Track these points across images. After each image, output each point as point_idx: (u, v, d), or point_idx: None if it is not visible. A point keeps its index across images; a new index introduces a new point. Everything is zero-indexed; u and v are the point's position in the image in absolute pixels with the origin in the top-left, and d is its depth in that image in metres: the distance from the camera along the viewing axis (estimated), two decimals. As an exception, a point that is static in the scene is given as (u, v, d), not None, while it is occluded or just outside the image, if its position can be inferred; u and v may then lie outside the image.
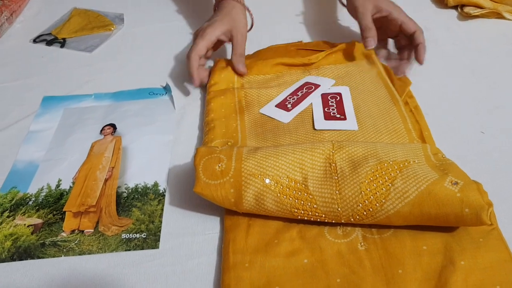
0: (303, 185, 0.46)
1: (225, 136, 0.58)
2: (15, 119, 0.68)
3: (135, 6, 0.92)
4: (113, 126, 0.64)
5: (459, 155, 0.52)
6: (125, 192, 0.54)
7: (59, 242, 0.50)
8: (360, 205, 0.45)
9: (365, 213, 0.45)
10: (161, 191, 0.54)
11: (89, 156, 0.60)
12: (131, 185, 0.55)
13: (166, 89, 0.69)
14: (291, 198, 0.46)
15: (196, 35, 0.66)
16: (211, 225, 0.51)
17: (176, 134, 0.63)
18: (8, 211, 0.54)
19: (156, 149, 0.60)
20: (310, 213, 0.46)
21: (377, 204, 0.44)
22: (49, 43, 0.83)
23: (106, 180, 0.56)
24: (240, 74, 0.67)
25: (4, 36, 0.86)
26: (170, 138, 0.62)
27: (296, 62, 0.69)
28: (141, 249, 0.49)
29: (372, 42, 0.64)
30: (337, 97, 0.63)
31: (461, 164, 0.48)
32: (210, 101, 0.65)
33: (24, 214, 0.53)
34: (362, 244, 0.45)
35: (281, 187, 0.46)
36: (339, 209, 0.46)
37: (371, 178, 0.46)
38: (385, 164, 0.46)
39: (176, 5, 0.91)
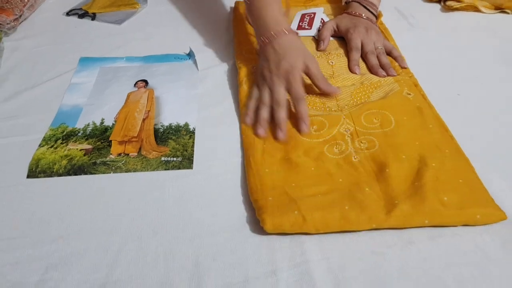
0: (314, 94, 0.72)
1: (252, 44, 0.83)
2: (57, 74, 0.80)
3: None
4: (145, 81, 0.76)
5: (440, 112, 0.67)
6: (161, 128, 0.67)
7: (108, 162, 0.61)
8: (351, 100, 0.70)
9: (354, 103, 0.69)
10: (191, 129, 0.67)
11: (127, 103, 0.72)
12: (166, 123, 0.68)
13: (190, 54, 0.81)
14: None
15: (265, 77, 0.69)
16: (235, 153, 0.63)
17: (201, 89, 0.73)
18: (60, 139, 0.65)
19: (185, 99, 0.73)
20: (318, 106, 0.69)
21: (363, 99, 0.70)
22: (81, 16, 0.94)
23: (143, 120, 0.68)
24: (334, 94, 0.70)
25: (38, 9, 0.96)
26: (196, 92, 0.74)
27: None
28: (178, 169, 0.60)
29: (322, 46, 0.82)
30: (312, 15, 0.90)
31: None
32: (237, 25, 0.90)
33: (75, 142, 0.63)
34: (355, 157, 0.60)
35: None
36: (337, 102, 0.70)
37: (357, 91, 0.71)
38: (366, 84, 0.73)
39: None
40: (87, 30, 0.92)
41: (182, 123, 0.68)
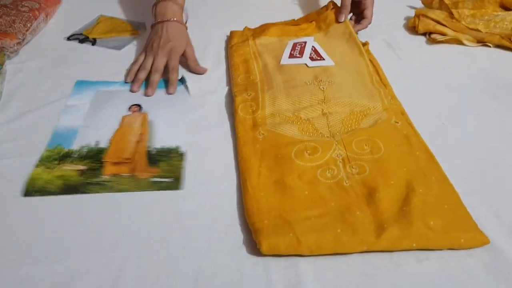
0: (307, 120, 0.75)
1: (247, 73, 0.86)
2: (56, 97, 0.81)
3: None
4: (139, 105, 0.80)
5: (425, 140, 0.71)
6: (153, 150, 0.70)
7: (101, 182, 0.64)
8: (342, 127, 0.73)
9: (345, 130, 0.72)
10: (181, 152, 0.70)
11: (121, 126, 0.75)
12: (158, 146, 0.71)
13: (182, 80, 0.86)
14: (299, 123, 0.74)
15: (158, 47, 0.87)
16: (231, 177, 0.66)
17: (198, 114, 0.78)
18: (57, 160, 0.68)
19: (176, 123, 0.76)
20: (311, 132, 0.72)
21: (353, 126, 0.73)
22: (81, 41, 0.98)
23: (137, 142, 0.71)
24: (201, 73, 0.90)
25: (40, 33, 0.99)
26: (187, 116, 0.78)
27: (293, 29, 1.02)
28: (168, 189, 0.63)
29: (343, 18, 1.00)
30: (303, 44, 0.95)
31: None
32: (233, 53, 0.94)
33: (71, 163, 0.67)
34: (346, 182, 0.63)
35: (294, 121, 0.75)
36: (329, 129, 0.73)
37: (348, 118, 0.75)
38: (356, 111, 0.76)
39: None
40: (88, 54, 0.95)
41: (173, 146, 0.71)
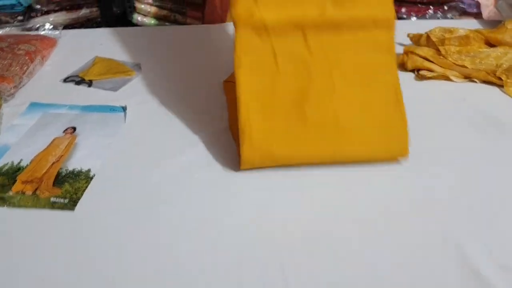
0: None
1: None
2: None
3: (150, 57, 1.13)
4: (74, 128, 0.87)
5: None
6: (64, 172, 0.76)
7: (5, 197, 0.71)
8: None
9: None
10: (91, 176, 0.75)
11: (48, 147, 0.82)
12: (70, 168, 0.77)
13: (124, 108, 0.92)
14: None
15: None
16: (223, 215, 0.67)
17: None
18: None
19: (98, 147, 0.82)
20: None
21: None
22: (78, 83, 1.00)
23: (53, 163, 0.78)
24: None
25: (36, 76, 1.02)
26: (110, 141, 0.83)
27: None
28: (61, 210, 0.69)
29: None
30: None
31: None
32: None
33: (-12, 178, 0.75)
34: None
35: None
36: None
37: None
38: None
39: (183, 58, 1.11)
40: (84, 96, 0.98)
41: (85, 169, 0.76)
